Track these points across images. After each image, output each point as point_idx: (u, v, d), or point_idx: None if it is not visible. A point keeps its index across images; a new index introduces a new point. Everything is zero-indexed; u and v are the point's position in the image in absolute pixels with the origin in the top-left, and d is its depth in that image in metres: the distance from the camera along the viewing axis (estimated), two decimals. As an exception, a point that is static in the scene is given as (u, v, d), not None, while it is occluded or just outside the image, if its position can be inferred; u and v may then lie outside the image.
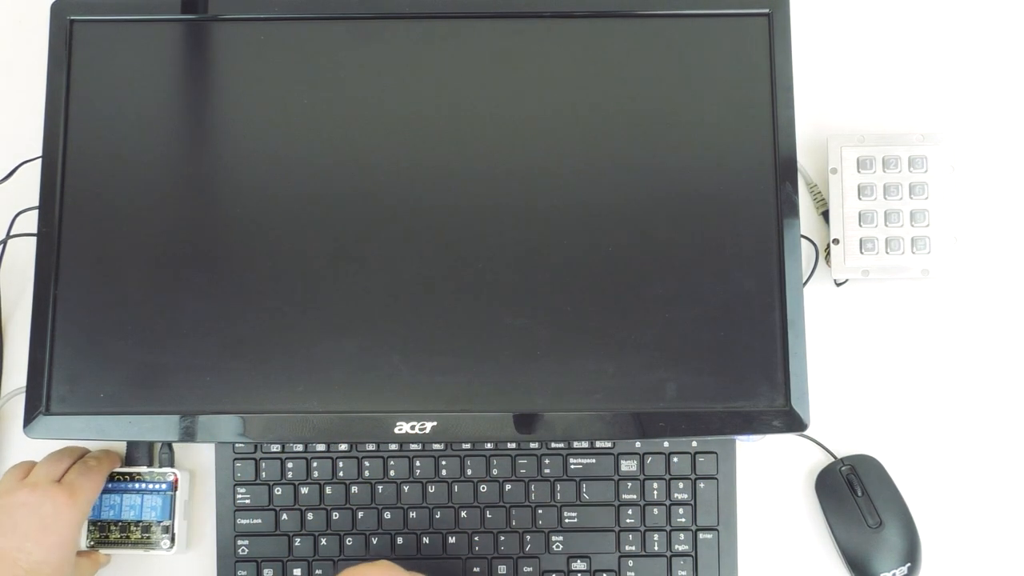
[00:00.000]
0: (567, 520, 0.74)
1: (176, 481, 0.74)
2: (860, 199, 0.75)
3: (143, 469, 0.74)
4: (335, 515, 0.74)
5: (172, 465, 0.75)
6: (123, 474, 0.74)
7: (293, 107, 0.71)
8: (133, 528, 0.73)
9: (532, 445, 0.74)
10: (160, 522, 0.73)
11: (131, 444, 0.74)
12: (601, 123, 0.71)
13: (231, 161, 0.71)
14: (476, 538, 0.74)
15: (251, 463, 0.74)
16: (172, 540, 0.73)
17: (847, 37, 0.80)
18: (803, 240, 0.74)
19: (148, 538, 0.73)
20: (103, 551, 0.74)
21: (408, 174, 0.70)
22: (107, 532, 0.73)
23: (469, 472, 0.74)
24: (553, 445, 0.74)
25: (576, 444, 0.74)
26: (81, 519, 0.69)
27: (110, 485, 0.74)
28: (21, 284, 0.77)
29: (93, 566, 0.73)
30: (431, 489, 0.74)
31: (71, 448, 0.73)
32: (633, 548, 0.73)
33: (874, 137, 0.75)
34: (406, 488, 0.74)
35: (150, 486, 0.74)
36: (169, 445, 0.75)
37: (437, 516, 0.74)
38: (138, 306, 0.69)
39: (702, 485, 0.74)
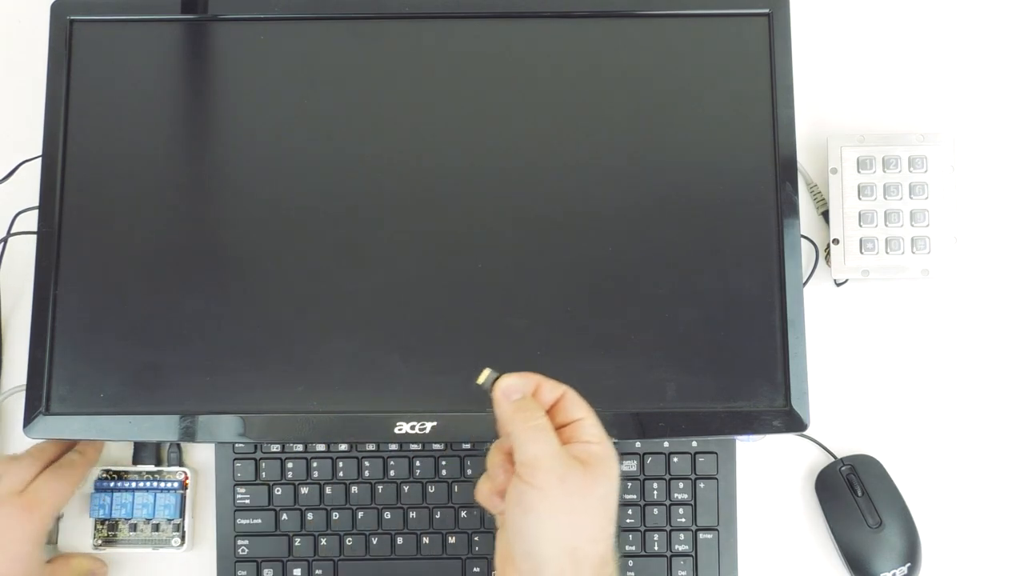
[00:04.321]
0: (567, 520, 0.74)
1: (187, 479, 0.74)
2: (860, 199, 0.75)
3: (154, 468, 0.74)
4: (335, 515, 0.74)
5: (181, 464, 0.75)
6: (134, 472, 0.74)
7: (293, 107, 0.71)
8: (143, 527, 0.74)
9: (532, 445, 0.74)
10: (171, 520, 0.73)
11: (138, 443, 0.74)
12: (601, 123, 0.71)
13: (231, 161, 0.71)
14: (476, 538, 0.74)
15: (251, 463, 0.74)
16: (183, 538, 0.73)
17: (847, 37, 0.80)
18: (803, 240, 0.74)
19: (158, 536, 0.73)
20: (108, 550, 0.73)
21: (408, 174, 0.70)
22: (116, 531, 0.73)
23: (469, 472, 0.74)
24: (553, 445, 0.74)
25: (576, 444, 0.74)
26: (41, 530, 0.67)
27: (120, 484, 0.74)
28: (21, 284, 0.77)
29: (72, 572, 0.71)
30: (431, 489, 0.74)
31: (49, 446, 0.71)
32: (633, 548, 0.73)
33: (874, 137, 0.75)
34: (406, 488, 0.74)
35: (162, 485, 0.74)
36: (178, 444, 0.75)
37: (437, 516, 0.74)
38: (138, 306, 0.69)
39: (702, 485, 0.74)
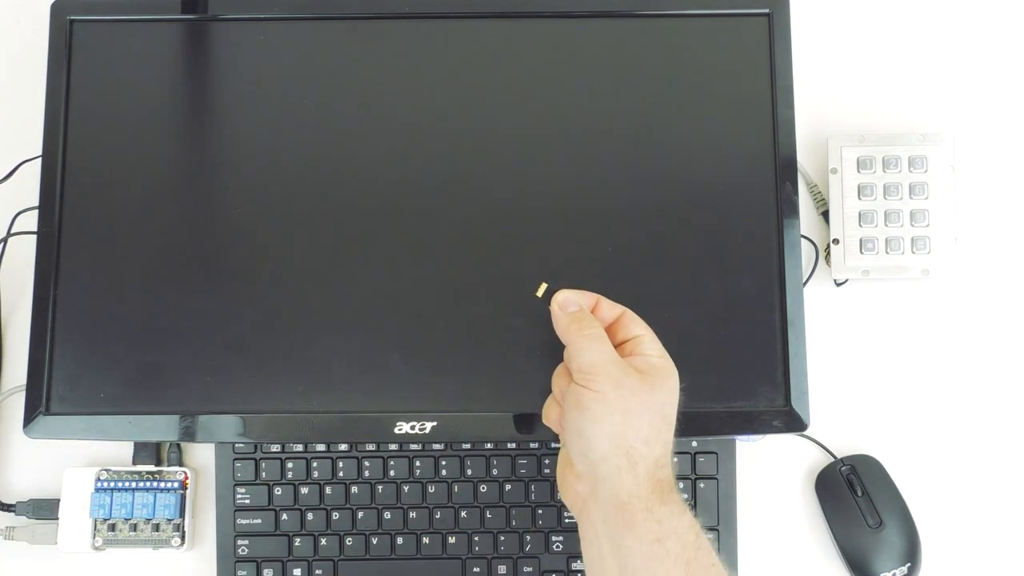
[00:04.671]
0: (567, 520, 0.74)
1: (187, 479, 0.74)
2: (860, 199, 0.75)
3: (154, 468, 0.74)
4: (335, 515, 0.74)
5: (181, 464, 0.75)
6: (134, 472, 0.74)
7: (293, 107, 0.71)
8: (143, 527, 0.73)
9: (532, 445, 0.74)
10: (171, 520, 0.73)
11: (138, 443, 0.74)
12: (601, 124, 0.71)
13: (231, 161, 0.71)
14: (476, 538, 0.74)
15: (251, 463, 0.74)
16: (183, 538, 0.73)
17: (847, 37, 0.80)
18: (803, 240, 0.74)
19: (158, 536, 0.73)
20: (109, 551, 0.74)
21: (408, 174, 0.70)
22: (116, 531, 0.73)
23: (469, 472, 0.74)
24: (553, 445, 0.74)
25: (576, 444, 0.74)
26: None
27: (120, 484, 0.73)
28: (21, 284, 0.77)
29: None
30: (431, 489, 0.74)
31: None
32: (633, 548, 0.73)
33: (874, 137, 0.75)
34: (406, 488, 0.74)
35: (162, 484, 0.74)
36: (178, 444, 0.75)
37: (437, 516, 0.74)
38: (138, 306, 0.69)
39: (702, 485, 0.74)
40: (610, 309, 0.62)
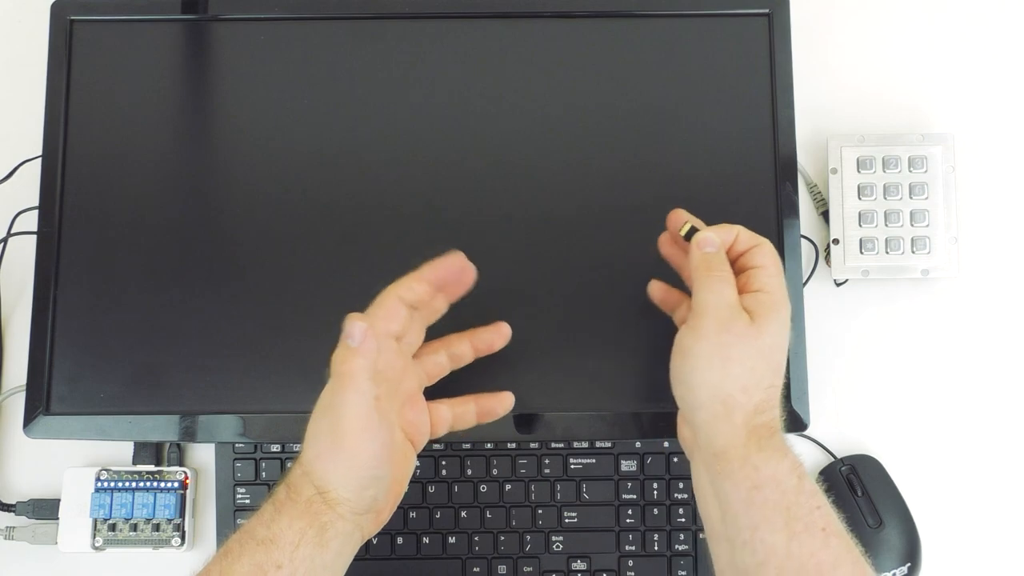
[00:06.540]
0: (567, 520, 0.74)
1: (187, 479, 0.74)
2: (860, 199, 0.75)
3: (154, 468, 0.74)
4: (335, 515, 0.74)
5: (181, 464, 0.75)
6: (134, 472, 0.74)
7: (293, 107, 0.71)
8: (143, 527, 0.73)
9: (532, 445, 0.74)
10: (171, 520, 0.73)
11: (138, 443, 0.74)
12: (601, 124, 0.71)
13: (231, 161, 0.71)
14: (476, 538, 0.74)
15: (251, 463, 0.74)
16: (183, 538, 0.73)
17: (847, 37, 0.80)
18: (803, 240, 0.74)
19: (158, 536, 0.73)
20: (109, 550, 0.73)
21: (408, 174, 0.70)
22: (116, 531, 0.73)
23: (469, 472, 0.74)
24: (553, 445, 0.74)
25: (576, 444, 0.74)
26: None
27: (120, 484, 0.73)
28: (21, 284, 0.77)
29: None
30: (431, 489, 0.74)
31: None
32: (633, 548, 0.73)
33: (874, 137, 0.75)
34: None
35: (162, 484, 0.74)
36: (178, 444, 0.75)
37: (437, 516, 0.74)
38: (138, 306, 0.69)
39: (702, 485, 0.74)
40: (747, 241, 0.61)
